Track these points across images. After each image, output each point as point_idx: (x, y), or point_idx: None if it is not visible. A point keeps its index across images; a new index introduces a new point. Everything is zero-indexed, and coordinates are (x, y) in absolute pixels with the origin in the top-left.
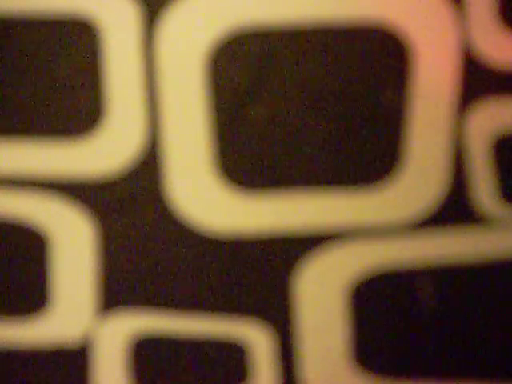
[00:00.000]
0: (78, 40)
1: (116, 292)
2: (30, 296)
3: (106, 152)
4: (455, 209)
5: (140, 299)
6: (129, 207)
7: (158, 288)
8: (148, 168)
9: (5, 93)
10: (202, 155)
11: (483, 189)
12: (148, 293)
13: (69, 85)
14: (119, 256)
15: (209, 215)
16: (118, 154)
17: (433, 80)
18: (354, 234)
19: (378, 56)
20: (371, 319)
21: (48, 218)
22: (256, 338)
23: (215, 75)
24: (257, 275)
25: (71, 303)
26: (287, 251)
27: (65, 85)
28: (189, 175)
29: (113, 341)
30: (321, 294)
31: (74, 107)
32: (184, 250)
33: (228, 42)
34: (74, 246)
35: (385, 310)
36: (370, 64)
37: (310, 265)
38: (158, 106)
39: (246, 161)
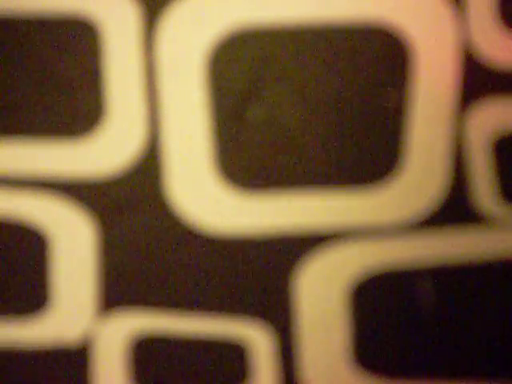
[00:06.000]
0: (78, 40)
1: (116, 292)
2: (30, 296)
3: (106, 152)
4: (455, 209)
5: (140, 299)
6: (129, 207)
7: (158, 288)
8: (148, 168)
9: (5, 93)
10: (202, 155)
11: (483, 189)
12: (148, 293)
13: (69, 85)
14: (119, 256)
15: (209, 215)
16: (118, 154)
17: (433, 80)
18: (354, 234)
19: (378, 56)
20: (371, 319)
21: (48, 218)
22: (256, 338)
23: (215, 75)
24: (257, 275)
25: (71, 303)
26: (287, 251)
27: (65, 85)
28: (189, 175)
29: (113, 341)
30: (321, 294)
31: (75, 107)
32: (184, 249)
33: (228, 42)
34: (74, 246)
35: (385, 310)
36: (370, 64)
37: (310, 265)
38: (157, 106)
39: (246, 160)
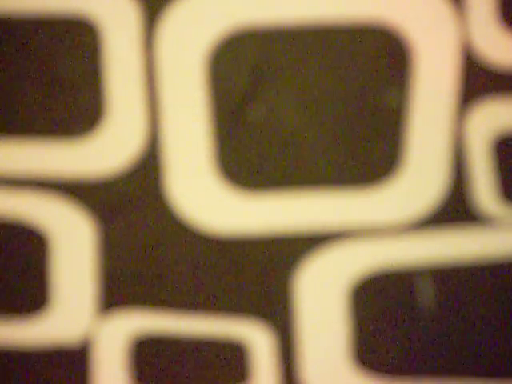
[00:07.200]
0: (78, 40)
1: (116, 292)
2: (30, 296)
3: (106, 152)
4: (455, 209)
5: (140, 299)
6: (129, 207)
7: (158, 288)
8: (148, 168)
9: (5, 93)
10: (202, 155)
11: (483, 189)
12: (148, 293)
13: (69, 85)
14: (119, 256)
15: (209, 215)
16: (118, 154)
17: (433, 80)
18: (354, 233)
19: (378, 56)
20: (371, 319)
21: (48, 218)
22: (256, 338)
23: (215, 75)
24: (257, 275)
25: (71, 303)
26: (287, 251)
27: (65, 85)
28: (189, 175)
29: (113, 341)
30: (321, 294)
31: (75, 107)
32: (184, 249)
33: (227, 42)
34: (73, 246)
35: (384, 310)
36: (370, 64)
37: (310, 264)
38: (157, 105)
39: (245, 160)
